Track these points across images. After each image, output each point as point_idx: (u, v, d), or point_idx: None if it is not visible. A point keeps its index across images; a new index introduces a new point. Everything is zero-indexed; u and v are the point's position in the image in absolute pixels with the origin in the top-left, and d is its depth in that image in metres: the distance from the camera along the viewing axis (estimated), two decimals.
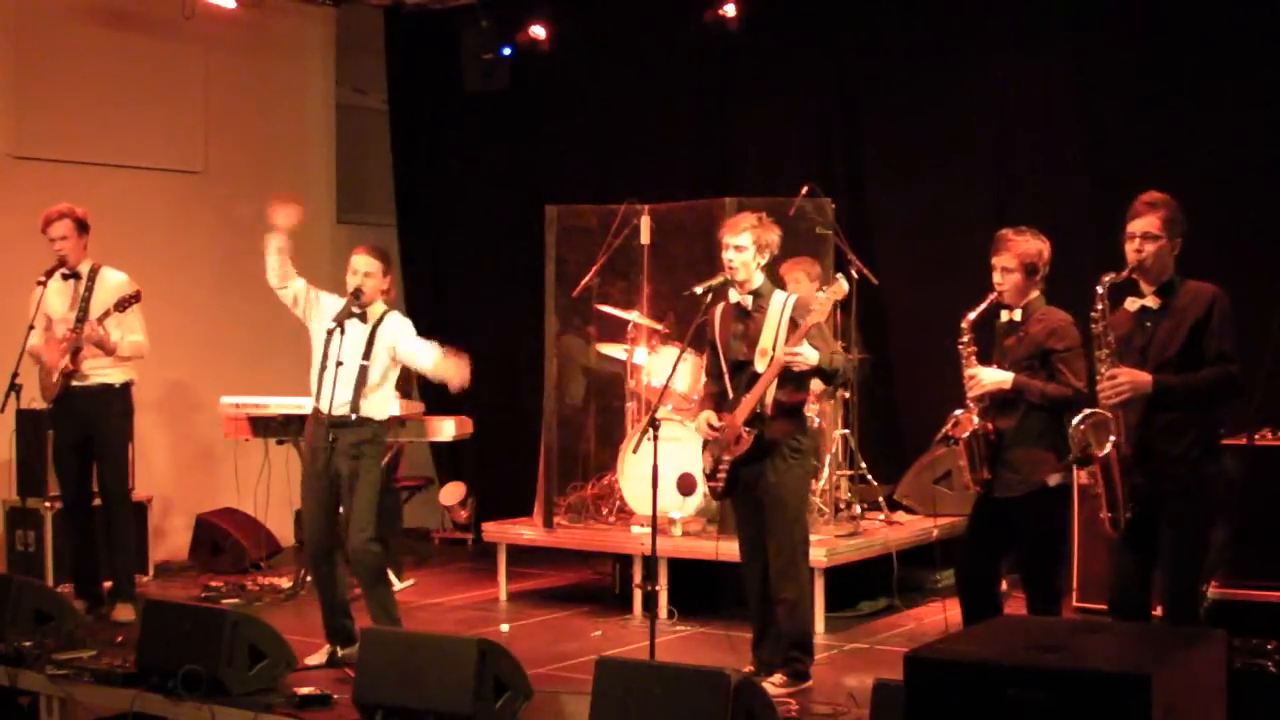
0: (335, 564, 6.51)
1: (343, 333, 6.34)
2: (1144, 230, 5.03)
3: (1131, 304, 5.13)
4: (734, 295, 6.07)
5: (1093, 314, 5.07)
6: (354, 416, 6.35)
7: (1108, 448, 4.97)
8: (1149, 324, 5.07)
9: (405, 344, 6.46)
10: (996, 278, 5.52)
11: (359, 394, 6.36)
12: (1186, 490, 4.98)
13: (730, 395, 6.05)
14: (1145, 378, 4.95)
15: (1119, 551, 5.17)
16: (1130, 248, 5.06)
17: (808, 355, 5.81)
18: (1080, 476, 5.85)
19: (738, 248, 5.96)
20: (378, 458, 6.50)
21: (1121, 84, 8.17)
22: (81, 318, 7.37)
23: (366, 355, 6.39)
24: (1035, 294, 5.54)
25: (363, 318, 6.44)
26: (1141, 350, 5.05)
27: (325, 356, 6.35)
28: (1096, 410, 5.01)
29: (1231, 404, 5.16)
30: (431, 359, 6.45)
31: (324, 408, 6.36)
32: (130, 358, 7.53)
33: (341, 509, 6.43)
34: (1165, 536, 5.03)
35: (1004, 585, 5.81)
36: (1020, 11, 8.49)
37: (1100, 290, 5.03)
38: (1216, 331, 4.95)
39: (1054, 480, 5.43)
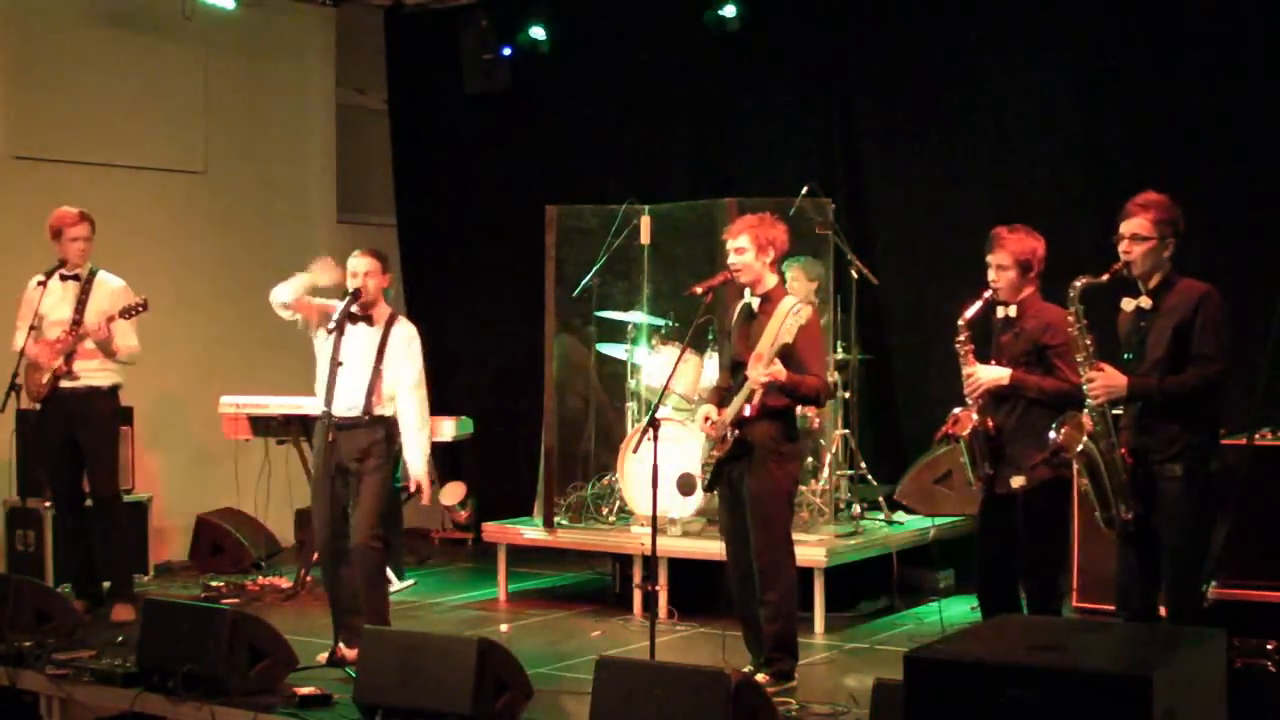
0: (347, 565, 6.55)
1: (341, 333, 6.37)
2: (1132, 231, 5.07)
3: (1128, 304, 5.17)
4: (747, 294, 6.15)
5: (1068, 316, 5.13)
6: (366, 417, 6.37)
7: (1079, 447, 5.01)
8: (1143, 324, 5.11)
9: (398, 374, 6.44)
10: (991, 275, 5.58)
11: (370, 396, 6.38)
12: (1179, 494, 4.98)
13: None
14: (1120, 380, 5.02)
15: (1122, 551, 5.19)
16: (1120, 249, 5.10)
17: (776, 374, 5.82)
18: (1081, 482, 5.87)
19: (737, 250, 6.04)
20: (388, 456, 6.49)
21: (1121, 84, 8.17)
22: (78, 320, 7.38)
23: (379, 360, 6.40)
24: (1030, 290, 5.59)
25: (369, 320, 6.45)
26: (1138, 350, 5.09)
27: (333, 359, 6.38)
28: (1071, 412, 5.08)
29: (1222, 403, 5.16)
30: (413, 432, 6.45)
31: (334, 410, 6.39)
32: (125, 363, 7.55)
33: (348, 507, 6.46)
34: (1162, 539, 5.04)
35: None
36: (1021, 12, 8.48)
37: (1072, 294, 5.11)
38: (1199, 331, 4.96)
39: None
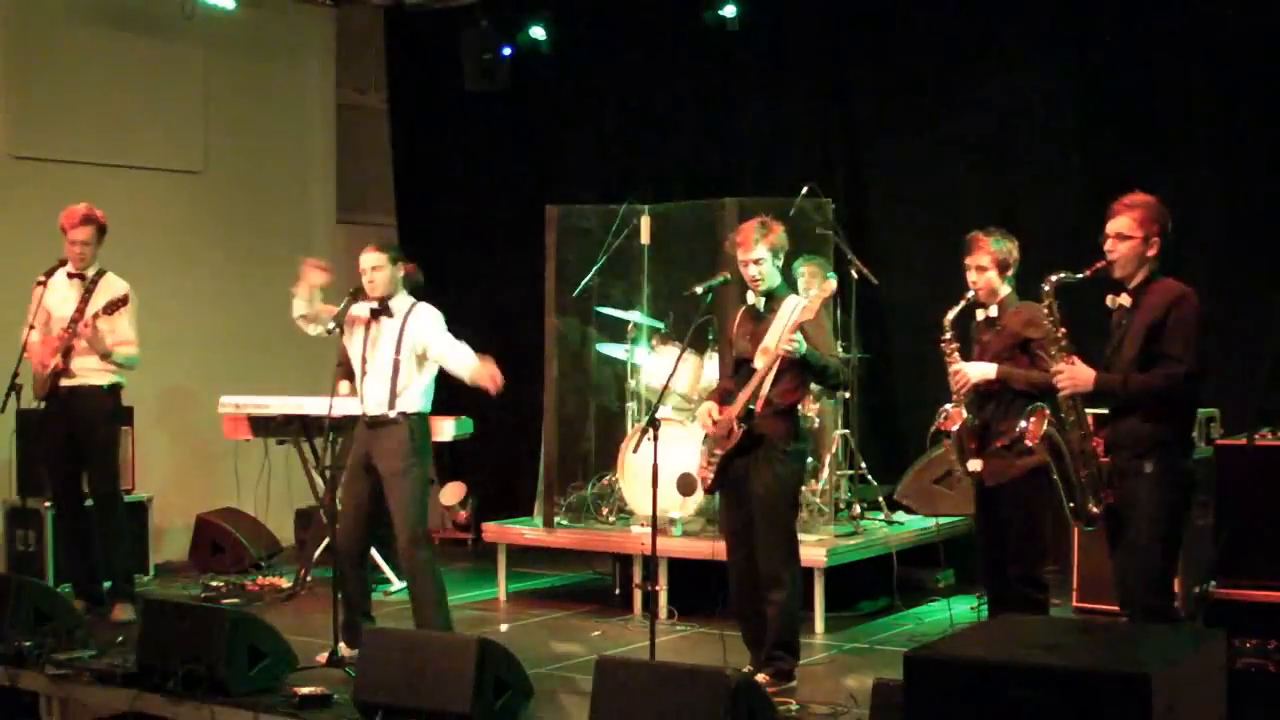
0: (366, 565, 6.61)
1: (366, 329, 6.41)
2: (1117, 230, 5.09)
3: (1112, 301, 5.19)
4: (750, 297, 6.15)
5: (1043, 310, 5.18)
6: (391, 414, 6.36)
7: (1040, 435, 5.04)
8: (1124, 322, 5.13)
9: (436, 346, 6.38)
10: (972, 276, 5.72)
11: (394, 391, 6.36)
12: (1148, 491, 4.97)
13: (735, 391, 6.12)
14: (1086, 375, 5.05)
15: (1113, 551, 5.19)
16: (1105, 248, 5.12)
17: (798, 344, 5.84)
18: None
19: (757, 262, 5.99)
20: (417, 456, 6.40)
21: (1121, 85, 8.17)
22: (77, 319, 7.38)
23: (398, 350, 6.38)
24: (1008, 290, 5.73)
25: (388, 313, 6.43)
26: (1118, 348, 5.12)
27: (362, 358, 6.41)
28: (1036, 405, 5.14)
29: (1195, 401, 5.17)
30: (467, 367, 6.32)
31: (366, 409, 6.40)
32: (121, 365, 7.50)
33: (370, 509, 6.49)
34: (1130, 535, 5.04)
35: None
36: (1021, 12, 8.48)
37: (1046, 288, 5.14)
38: (1169, 332, 4.97)
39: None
